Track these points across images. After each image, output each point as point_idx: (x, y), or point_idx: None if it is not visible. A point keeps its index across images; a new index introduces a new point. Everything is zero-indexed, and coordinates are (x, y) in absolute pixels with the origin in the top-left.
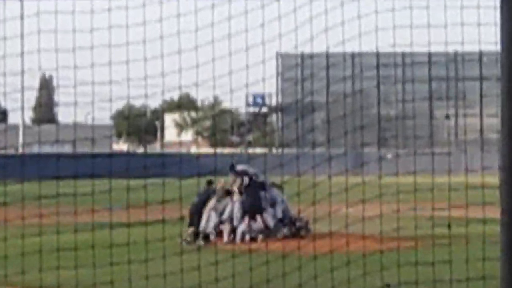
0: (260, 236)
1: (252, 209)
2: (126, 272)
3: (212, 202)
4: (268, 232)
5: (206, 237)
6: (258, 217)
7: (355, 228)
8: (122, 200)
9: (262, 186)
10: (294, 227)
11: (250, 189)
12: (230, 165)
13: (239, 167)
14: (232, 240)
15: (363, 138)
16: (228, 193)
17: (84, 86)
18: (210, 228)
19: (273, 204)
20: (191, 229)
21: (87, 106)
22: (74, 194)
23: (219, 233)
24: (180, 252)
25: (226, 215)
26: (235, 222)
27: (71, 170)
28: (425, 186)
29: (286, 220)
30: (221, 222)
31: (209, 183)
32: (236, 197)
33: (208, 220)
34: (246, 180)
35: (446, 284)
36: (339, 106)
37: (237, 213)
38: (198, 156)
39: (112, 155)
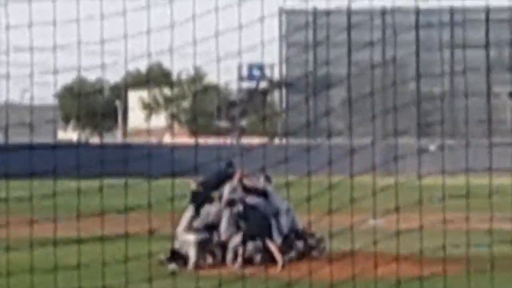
0: (259, 256)
1: (257, 236)
2: None
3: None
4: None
5: (181, 258)
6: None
7: (386, 246)
8: (70, 207)
9: (264, 194)
10: (303, 245)
11: (248, 215)
12: (227, 163)
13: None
14: (218, 261)
15: (397, 123)
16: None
17: (19, 53)
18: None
19: (275, 215)
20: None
21: (23, 80)
22: (6, 199)
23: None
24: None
25: (223, 229)
26: (223, 236)
27: (1, 166)
28: (481, 189)
29: (291, 236)
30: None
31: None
32: (224, 208)
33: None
34: (240, 208)
35: None
36: (365, 81)
37: (225, 223)
38: (173, 148)
39: (56, 147)
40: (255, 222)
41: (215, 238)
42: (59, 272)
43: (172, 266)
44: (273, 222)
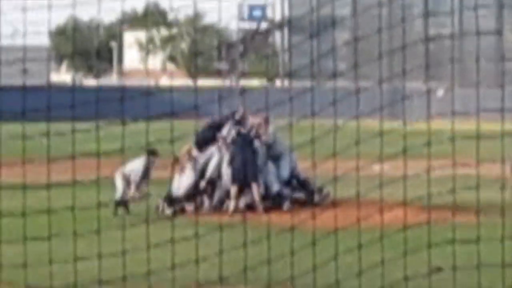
0: (260, 205)
1: (241, 176)
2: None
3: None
4: (268, 204)
5: (176, 203)
6: (252, 186)
7: (392, 192)
8: (62, 149)
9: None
10: (305, 192)
11: (238, 143)
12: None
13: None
14: (217, 208)
15: (404, 64)
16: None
17: None
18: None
19: (276, 158)
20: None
21: (15, 19)
22: None
23: (197, 199)
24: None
25: (210, 171)
26: (224, 181)
27: None
28: (493, 135)
29: (293, 181)
30: (200, 182)
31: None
32: (224, 149)
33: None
34: (232, 131)
35: None
36: (370, 20)
37: (226, 169)
38: (171, 90)
39: (50, 88)
40: (244, 164)
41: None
42: (53, 215)
43: (167, 211)
44: (271, 166)
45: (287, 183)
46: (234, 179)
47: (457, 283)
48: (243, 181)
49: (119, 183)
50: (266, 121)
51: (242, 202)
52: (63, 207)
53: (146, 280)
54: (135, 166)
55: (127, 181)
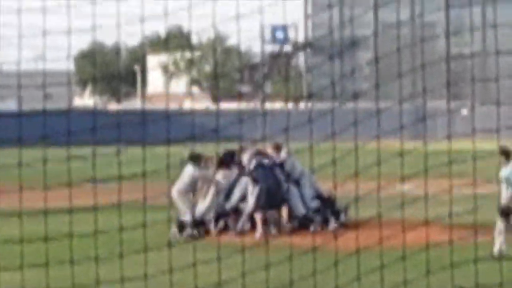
0: (287, 225)
1: (265, 204)
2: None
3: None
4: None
5: (200, 225)
6: (282, 210)
7: (414, 212)
8: (86, 175)
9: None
10: (330, 211)
11: (260, 172)
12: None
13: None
14: (241, 231)
15: (425, 83)
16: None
17: (30, 14)
18: (209, 214)
19: (296, 181)
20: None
21: (35, 45)
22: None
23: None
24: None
25: (237, 196)
26: (233, 202)
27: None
28: None
29: (317, 202)
30: (226, 206)
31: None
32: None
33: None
34: (253, 160)
35: None
36: (391, 39)
37: (251, 198)
38: (193, 113)
39: (70, 112)
40: (268, 192)
41: (228, 204)
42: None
43: (189, 231)
44: (294, 189)
45: (309, 207)
46: (258, 207)
47: None
48: (267, 208)
49: (179, 203)
50: (277, 147)
51: (272, 229)
52: (86, 232)
53: None
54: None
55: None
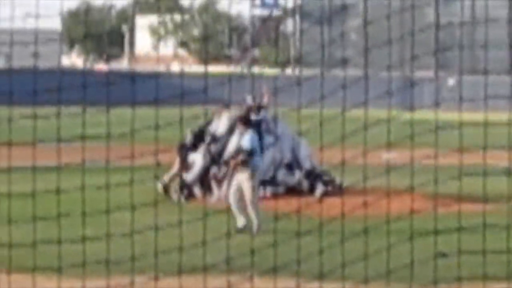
0: (268, 189)
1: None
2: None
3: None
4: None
5: (188, 190)
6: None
7: (397, 181)
8: (73, 133)
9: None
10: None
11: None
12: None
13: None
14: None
15: (413, 52)
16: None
17: None
18: (193, 178)
19: (294, 150)
20: (172, 175)
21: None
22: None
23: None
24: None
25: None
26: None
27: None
28: (501, 122)
29: (295, 166)
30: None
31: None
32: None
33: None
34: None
35: None
36: (380, 8)
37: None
38: (182, 75)
39: (62, 72)
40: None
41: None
42: (63, 195)
43: (175, 196)
44: (290, 157)
45: (290, 167)
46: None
47: (462, 268)
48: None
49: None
50: (258, 108)
51: (268, 190)
52: (73, 188)
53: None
54: None
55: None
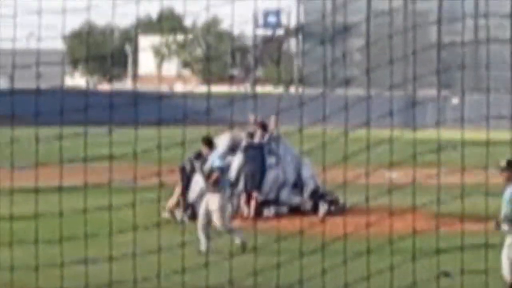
0: (272, 209)
1: (251, 184)
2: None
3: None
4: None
5: (191, 209)
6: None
7: (400, 200)
8: (76, 154)
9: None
10: (321, 200)
11: (250, 152)
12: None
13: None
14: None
15: (415, 70)
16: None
17: None
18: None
19: (298, 169)
20: (176, 199)
21: (29, 24)
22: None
23: None
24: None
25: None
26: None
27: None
28: (504, 141)
29: (298, 185)
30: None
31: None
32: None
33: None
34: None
35: None
36: (383, 27)
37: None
38: (185, 96)
39: (64, 92)
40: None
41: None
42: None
43: (184, 217)
44: (294, 177)
45: (295, 185)
46: (245, 188)
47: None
48: (249, 190)
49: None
50: (263, 126)
51: (272, 211)
52: (75, 210)
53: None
54: None
55: None
